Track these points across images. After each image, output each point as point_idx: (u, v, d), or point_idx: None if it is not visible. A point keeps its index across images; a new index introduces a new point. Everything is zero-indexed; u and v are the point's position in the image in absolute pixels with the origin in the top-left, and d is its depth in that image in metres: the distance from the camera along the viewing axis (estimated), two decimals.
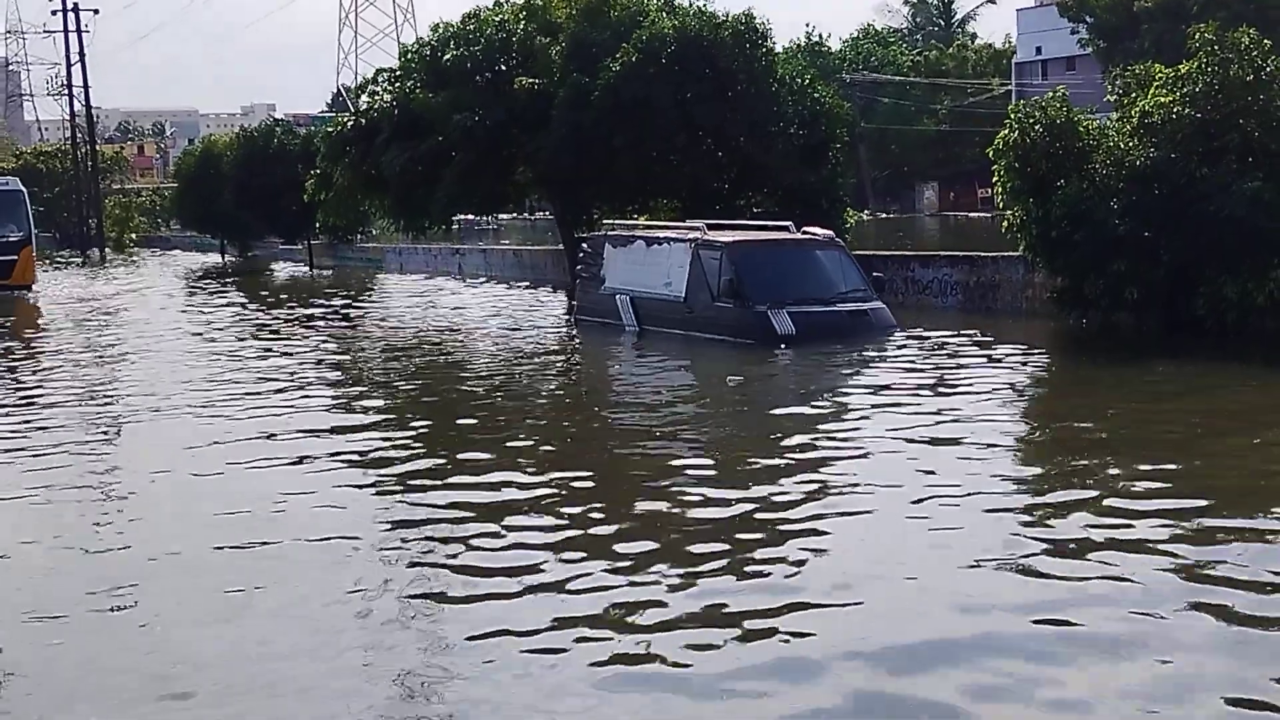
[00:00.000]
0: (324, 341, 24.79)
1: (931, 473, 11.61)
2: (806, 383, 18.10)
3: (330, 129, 34.37)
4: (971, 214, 69.55)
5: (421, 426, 15.27)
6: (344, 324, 28.14)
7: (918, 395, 15.83)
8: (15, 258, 39.92)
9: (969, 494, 10.86)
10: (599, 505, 11.00)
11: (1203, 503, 10.28)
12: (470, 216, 49.96)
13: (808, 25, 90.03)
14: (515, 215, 59.17)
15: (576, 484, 11.89)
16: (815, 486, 11.39)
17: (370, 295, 37.06)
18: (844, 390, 17.43)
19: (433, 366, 20.87)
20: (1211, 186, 18.80)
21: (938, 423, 13.93)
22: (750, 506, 10.74)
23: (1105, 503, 10.40)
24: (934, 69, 77.44)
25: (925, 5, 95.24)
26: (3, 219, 40.60)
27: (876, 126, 71.53)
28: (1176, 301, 19.50)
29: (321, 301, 34.34)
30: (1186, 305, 19.35)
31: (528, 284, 36.99)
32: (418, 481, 12.14)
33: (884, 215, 69.32)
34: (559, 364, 21.45)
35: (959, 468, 11.83)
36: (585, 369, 21.24)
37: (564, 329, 25.63)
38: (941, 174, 77.71)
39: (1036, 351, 19.83)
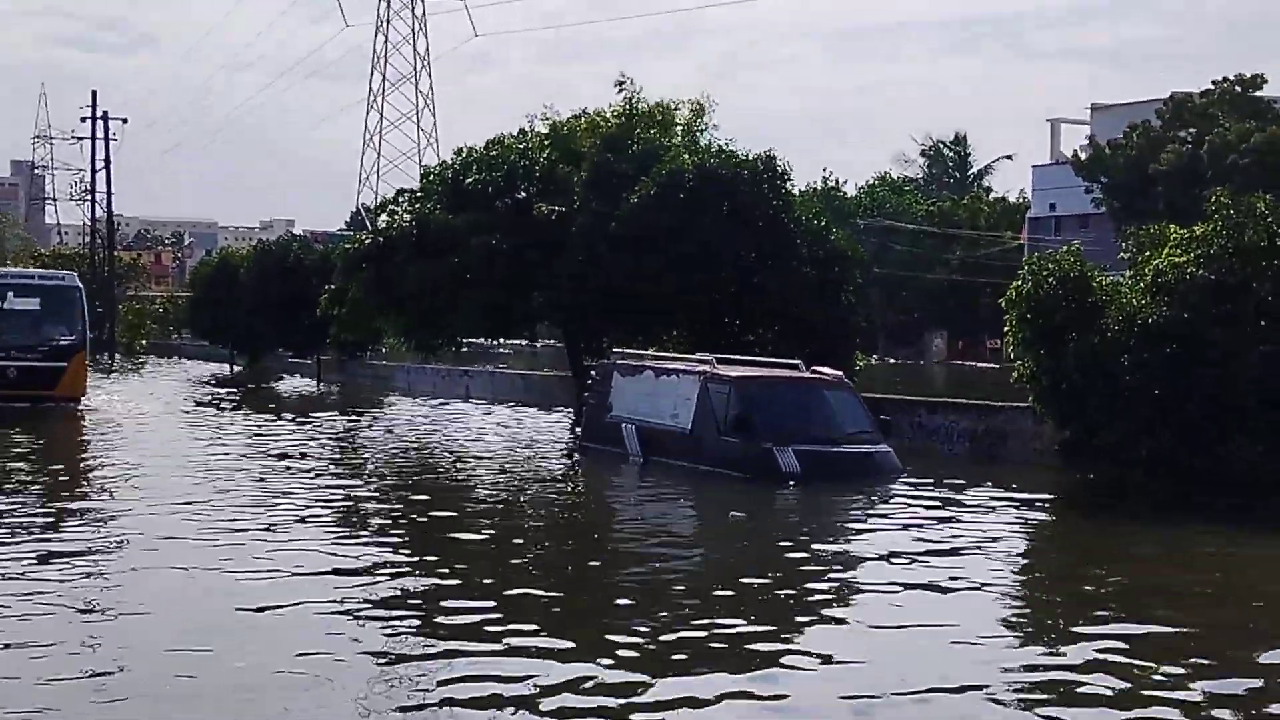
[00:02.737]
0: (332, 463, 24.64)
1: (931, 624, 11.37)
2: (808, 524, 17.89)
3: (348, 245, 34.65)
4: (980, 365, 69.67)
5: (421, 555, 14.84)
6: (353, 444, 27.96)
7: (920, 544, 15.57)
8: (64, 365, 33.25)
9: (967, 646, 10.65)
10: (590, 639, 10.78)
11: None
12: (479, 340, 50.21)
13: (825, 170, 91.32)
14: (526, 341, 59.13)
15: (570, 615, 11.68)
16: (810, 635, 11.13)
17: (380, 414, 36.95)
18: (845, 534, 17.21)
19: (438, 490, 20.69)
20: (1226, 347, 18.83)
21: (938, 574, 13.67)
22: (739, 644, 10.53)
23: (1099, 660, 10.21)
24: (947, 219, 78.15)
25: (941, 157, 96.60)
26: (53, 319, 33.98)
27: (889, 272, 72.04)
28: (1184, 459, 19.38)
29: (331, 419, 34.24)
30: (1194, 464, 19.24)
31: (534, 408, 36.94)
32: (413, 614, 11.78)
33: (893, 361, 69.44)
34: (563, 493, 21.29)
35: (955, 617, 11.59)
36: (589, 499, 21.07)
37: (569, 456, 25.50)
38: (951, 323, 77.99)
39: (1041, 504, 19.68)
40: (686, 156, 28.04)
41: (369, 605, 11.80)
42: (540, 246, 28.93)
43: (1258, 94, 55.74)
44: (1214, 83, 56.75)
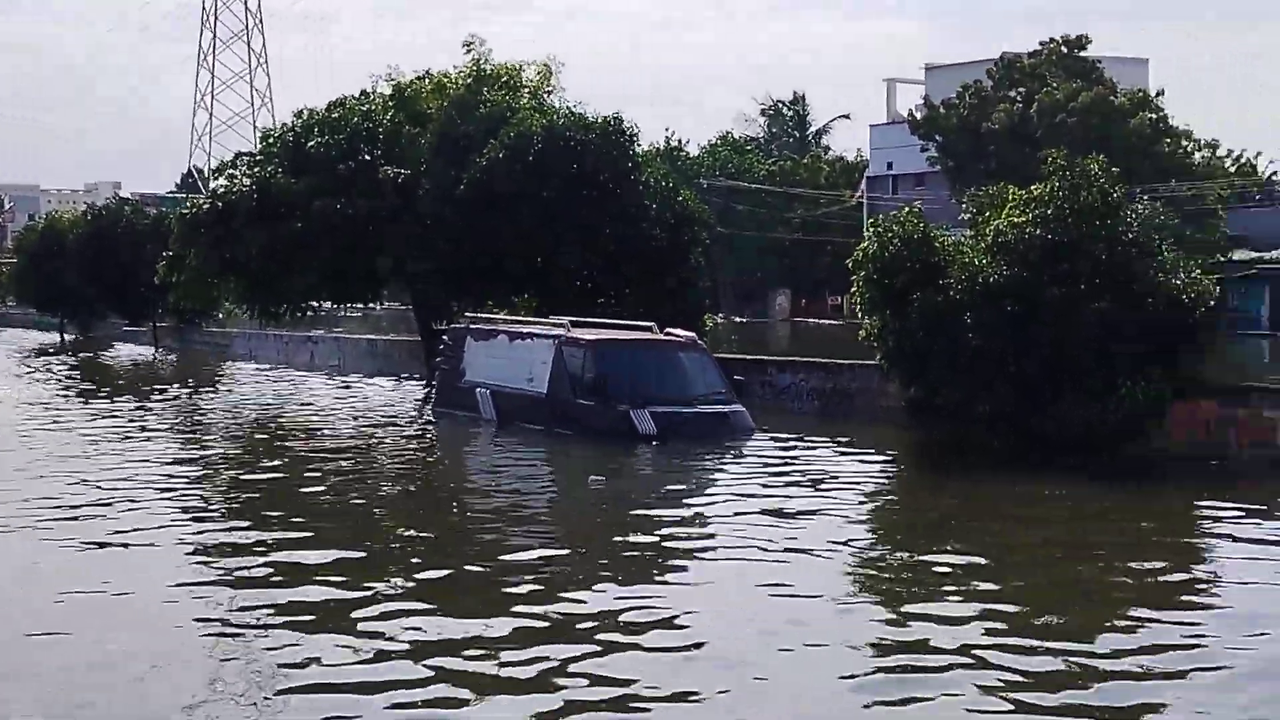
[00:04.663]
0: (170, 432, 24.07)
1: (780, 584, 11.58)
2: (665, 483, 18.02)
3: (185, 210, 33.74)
4: (823, 321, 70.92)
5: (268, 520, 14.56)
6: (191, 413, 27.36)
7: (770, 500, 15.89)
8: None
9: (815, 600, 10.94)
10: (445, 603, 10.79)
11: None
12: (320, 304, 49.44)
13: (667, 130, 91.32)
14: (367, 306, 58.08)
15: (427, 582, 11.62)
16: (670, 591, 11.33)
17: (220, 382, 36.19)
18: (701, 493, 17.39)
19: (284, 456, 20.33)
20: (1061, 306, 19.43)
21: (789, 529, 14.05)
22: (595, 608, 10.64)
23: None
24: (788, 179, 79.15)
25: (781, 117, 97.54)
26: None
27: (732, 232, 72.72)
28: (1025, 415, 19.97)
29: (169, 389, 33.40)
30: (1034, 420, 19.84)
31: (382, 375, 36.52)
32: (257, 577, 11.67)
33: (738, 320, 70.24)
34: (417, 459, 21.11)
35: (806, 578, 11.84)
36: (444, 465, 20.94)
37: (421, 421, 25.28)
38: (794, 281, 79.17)
39: (887, 459, 20.18)
40: (536, 118, 27.89)
41: (216, 584, 11.60)
42: (386, 210, 28.58)
43: (1083, 54, 57.53)
44: (1041, 43, 58.39)
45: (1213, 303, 20.35)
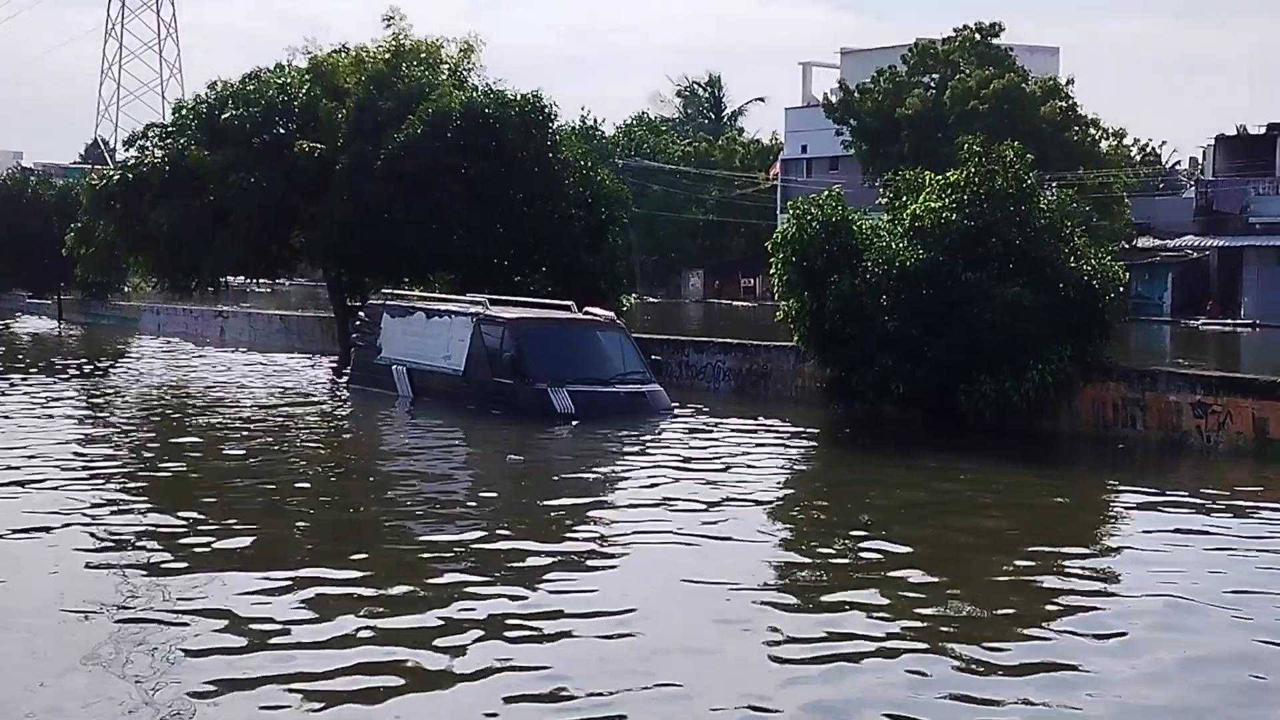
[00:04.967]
0: (77, 409, 23.65)
1: (704, 572, 11.53)
2: (583, 464, 17.99)
3: (94, 181, 33.09)
4: (735, 302, 71.32)
5: (180, 503, 14.28)
6: (99, 390, 26.88)
7: (689, 483, 15.87)
8: None
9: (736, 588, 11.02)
10: (360, 591, 10.71)
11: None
12: (229, 279, 48.60)
13: (583, 108, 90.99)
14: (277, 281, 57.31)
15: (346, 567, 11.52)
16: (593, 578, 11.38)
17: (127, 358, 35.57)
18: (620, 475, 17.35)
19: (196, 436, 19.99)
20: (976, 290, 19.76)
21: (707, 509, 14.12)
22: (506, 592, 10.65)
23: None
24: (703, 160, 79.35)
25: (696, 98, 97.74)
26: None
27: (647, 212, 72.77)
28: (939, 397, 20.31)
29: (75, 364, 32.78)
30: (949, 402, 20.18)
31: (294, 351, 36.11)
32: (171, 565, 11.47)
33: (652, 300, 70.39)
34: (332, 436, 20.93)
35: (730, 565, 11.82)
36: (359, 443, 20.78)
37: (335, 399, 25.04)
38: (707, 262, 79.46)
39: (804, 439, 20.37)
40: (455, 95, 27.72)
41: (129, 570, 11.41)
42: (301, 185, 28.25)
43: (995, 41, 58.25)
44: (955, 30, 59.03)
45: (1121, 288, 20.85)
